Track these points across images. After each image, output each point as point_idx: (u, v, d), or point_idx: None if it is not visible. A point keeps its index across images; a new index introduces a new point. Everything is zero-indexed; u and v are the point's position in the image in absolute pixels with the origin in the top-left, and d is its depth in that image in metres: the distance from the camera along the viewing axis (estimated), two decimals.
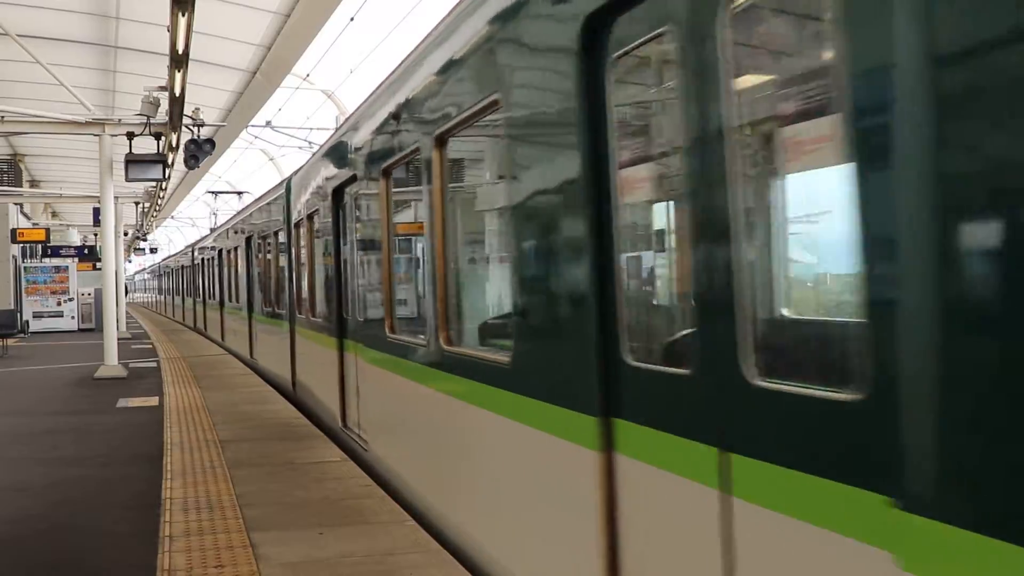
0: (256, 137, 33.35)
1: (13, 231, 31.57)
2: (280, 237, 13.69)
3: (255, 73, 18.89)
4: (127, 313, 34.16)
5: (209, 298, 25.89)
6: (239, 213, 21.21)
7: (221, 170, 46.42)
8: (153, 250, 54.38)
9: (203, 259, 27.13)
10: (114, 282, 18.06)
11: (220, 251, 22.54)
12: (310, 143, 29.67)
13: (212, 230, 29.39)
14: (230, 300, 20.83)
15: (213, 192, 40.31)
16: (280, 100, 30.75)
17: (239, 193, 37.28)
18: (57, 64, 16.48)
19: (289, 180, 13.04)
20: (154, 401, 12.82)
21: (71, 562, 5.67)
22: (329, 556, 5.41)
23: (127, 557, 5.64)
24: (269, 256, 15.27)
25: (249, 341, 17.54)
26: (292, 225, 12.51)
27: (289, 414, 11.11)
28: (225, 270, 21.70)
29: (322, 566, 5.23)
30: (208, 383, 14.69)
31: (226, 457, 8.46)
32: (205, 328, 27.26)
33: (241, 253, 18.44)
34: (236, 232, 19.42)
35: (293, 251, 12.48)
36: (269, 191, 15.59)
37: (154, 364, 18.58)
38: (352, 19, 23.19)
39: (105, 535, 6.21)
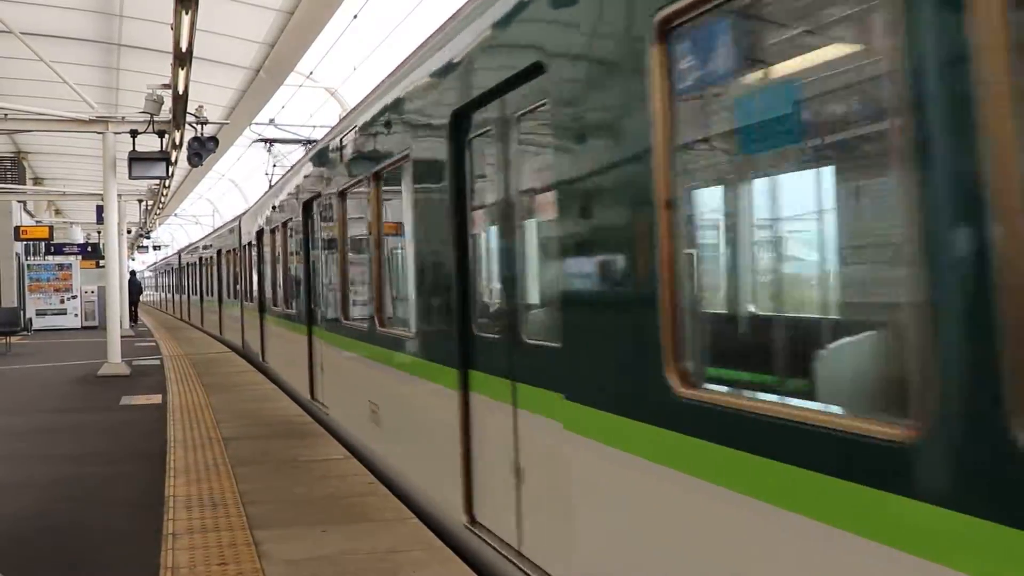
0: (259, 135, 33.36)
1: (16, 228, 31.60)
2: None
3: (258, 71, 18.90)
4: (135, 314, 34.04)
5: (275, 304, 14.68)
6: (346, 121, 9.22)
7: (224, 168, 46.50)
8: (156, 247, 54.37)
9: (264, 230, 15.69)
10: (117, 280, 18.06)
11: (313, 202, 10.81)
12: (312, 141, 29.68)
13: (270, 187, 17.15)
14: (347, 316, 9.19)
15: (265, 140, 24.24)
16: (283, 98, 30.76)
17: (306, 142, 21.81)
18: (61, 62, 16.50)
19: None
20: (157, 399, 12.83)
21: (74, 559, 5.68)
22: (332, 553, 5.41)
23: (130, 554, 5.64)
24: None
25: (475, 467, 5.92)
26: None
27: (292, 411, 11.12)
28: (317, 257, 10.82)
29: (325, 563, 5.23)
30: (211, 381, 14.70)
31: (229, 455, 8.46)
32: (262, 356, 16.50)
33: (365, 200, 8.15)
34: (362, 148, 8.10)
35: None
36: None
37: (157, 362, 18.60)
38: (355, 16, 23.18)
39: (108, 532, 6.21)
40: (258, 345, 16.96)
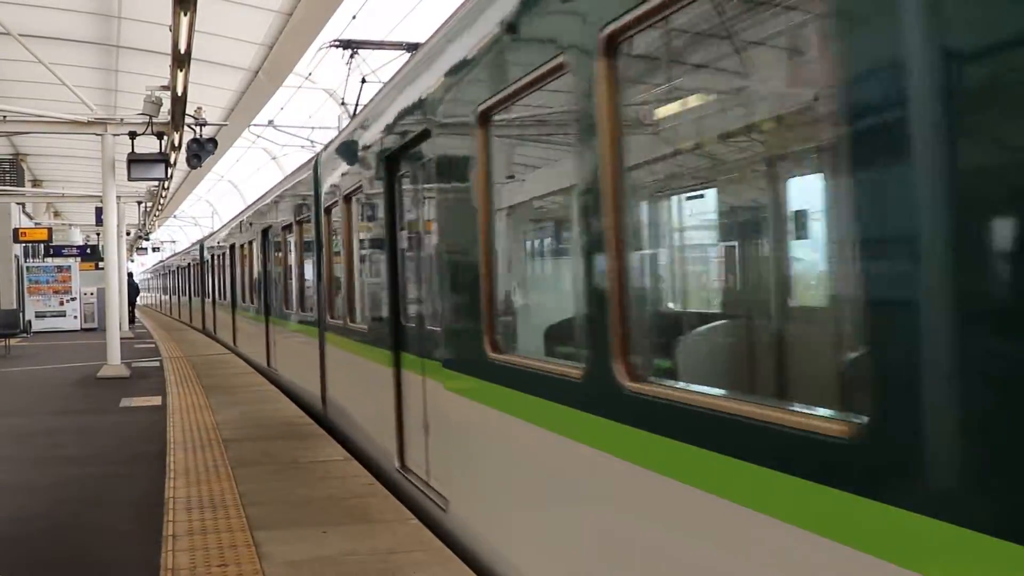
0: (259, 136, 33.41)
1: (15, 231, 31.59)
2: None
3: (257, 72, 18.89)
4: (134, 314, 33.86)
5: (455, 341, 5.58)
6: None
7: (223, 169, 46.53)
8: (155, 249, 54.42)
9: (408, 150, 6.61)
10: (117, 282, 18.05)
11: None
12: (312, 142, 29.71)
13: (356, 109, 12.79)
14: None
15: (347, 44, 14.74)
16: (282, 99, 30.76)
17: (408, 47, 13.35)
18: (59, 64, 16.49)
19: None
20: (157, 400, 12.83)
21: (74, 561, 5.67)
22: (332, 554, 5.41)
23: (130, 556, 5.64)
24: None
25: None
26: None
27: (292, 413, 11.12)
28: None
29: (325, 564, 5.23)
30: (211, 382, 14.70)
31: (229, 456, 8.46)
32: (423, 469, 6.86)
33: None
34: None
35: None
36: None
37: (157, 364, 18.60)
38: (354, 17, 23.17)
39: (108, 534, 6.21)
40: (391, 439, 7.43)
